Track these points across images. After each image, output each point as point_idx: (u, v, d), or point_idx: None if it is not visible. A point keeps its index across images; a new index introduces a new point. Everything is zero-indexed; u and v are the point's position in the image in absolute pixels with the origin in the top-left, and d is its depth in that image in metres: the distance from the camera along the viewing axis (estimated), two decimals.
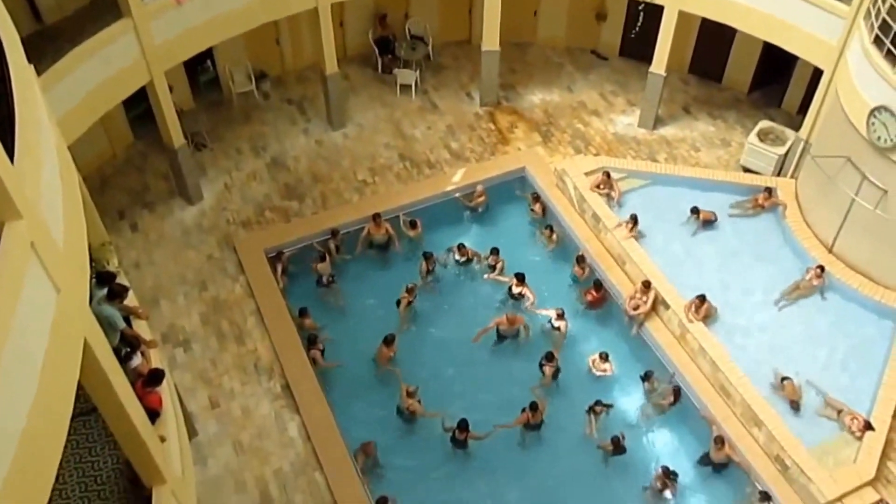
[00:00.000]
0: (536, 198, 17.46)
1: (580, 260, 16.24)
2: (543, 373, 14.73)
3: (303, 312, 15.12)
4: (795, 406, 13.57)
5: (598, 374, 14.86)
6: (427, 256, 16.02)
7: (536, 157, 18.42)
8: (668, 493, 13.21)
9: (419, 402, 13.94)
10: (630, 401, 14.73)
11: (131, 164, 18.01)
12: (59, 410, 5.86)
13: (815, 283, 15.21)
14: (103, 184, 17.40)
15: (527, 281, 15.73)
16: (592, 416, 14.09)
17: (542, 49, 21.34)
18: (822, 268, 15.18)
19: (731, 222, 16.61)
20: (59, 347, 5.85)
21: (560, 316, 15.32)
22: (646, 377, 14.59)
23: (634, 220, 16.06)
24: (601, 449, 13.69)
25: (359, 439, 13.48)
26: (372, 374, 14.85)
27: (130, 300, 10.33)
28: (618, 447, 13.54)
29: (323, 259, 15.86)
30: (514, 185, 18.14)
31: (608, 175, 16.88)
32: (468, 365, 15.16)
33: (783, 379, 13.82)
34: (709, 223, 16.39)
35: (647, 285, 15.17)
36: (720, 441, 13.42)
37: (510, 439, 14.02)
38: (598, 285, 15.84)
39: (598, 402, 14.13)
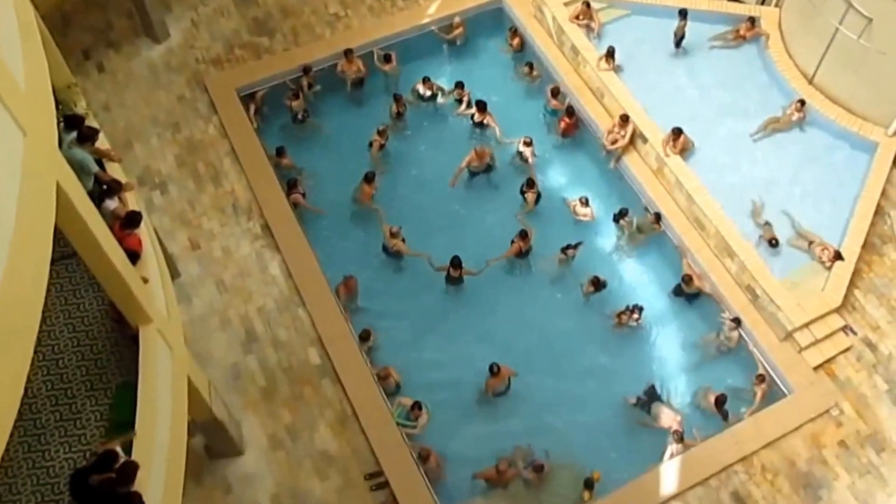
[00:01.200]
0: (514, 32, 16.97)
1: (555, 93, 16.03)
2: (526, 199, 14.89)
3: (280, 151, 14.96)
4: (774, 243, 13.82)
5: (580, 219, 14.95)
6: (397, 98, 15.72)
7: None
8: (632, 322, 13.67)
9: (403, 241, 14.10)
10: (607, 239, 15.00)
11: (92, 1, 17.14)
12: (38, 252, 5.88)
13: (794, 117, 15.15)
14: (64, 23, 16.62)
15: (489, 109, 15.60)
16: (564, 256, 14.31)
17: None
18: (802, 102, 15.08)
19: (712, 55, 16.30)
20: (32, 190, 5.80)
21: (528, 144, 15.33)
22: (620, 215, 14.76)
23: (610, 53, 15.72)
24: (583, 288, 13.99)
25: (341, 276, 13.72)
26: (352, 212, 14.92)
27: (102, 143, 10.12)
28: (598, 286, 13.86)
29: (297, 96, 15.53)
30: (492, 16, 17.52)
31: (588, 5, 16.35)
32: (447, 202, 15.26)
33: (766, 223, 14.00)
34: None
35: (624, 119, 15.06)
36: (688, 279, 13.83)
37: (500, 271, 14.33)
38: (571, 111, 15.76)
39: (568, 246, 14.25)
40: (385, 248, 14.33)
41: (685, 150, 14.82)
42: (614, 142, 15.20)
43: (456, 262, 13.74)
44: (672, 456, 12.39)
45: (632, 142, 15.26)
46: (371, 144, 15.29)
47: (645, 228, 14.73)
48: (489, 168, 15.32)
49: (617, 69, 15.83)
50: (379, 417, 12.45)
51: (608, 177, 15.59)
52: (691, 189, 14.29)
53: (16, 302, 5.39)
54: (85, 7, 17.03)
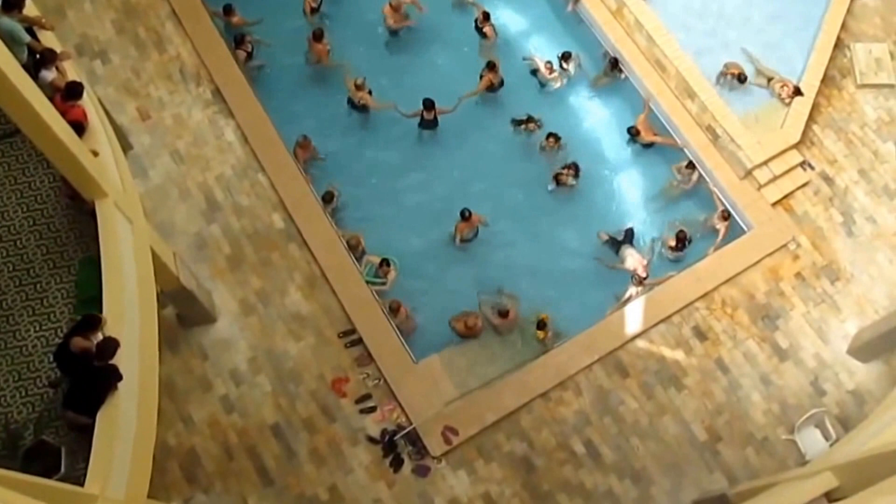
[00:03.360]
0: None
1: None
2: (485, 34, 14.59)
3: (228, 9, 14.23)
4: (742, 78, 13.64)
5: (552, 84, 14.55)
6: None
7: None
8: (571, 181, 13.62)
9: (370, 93, 13.77)
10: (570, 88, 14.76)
11: None
12: None
13: None
14: None
15: None
16: (521, 128, 14.05)
17: None
18: None
19: None
20: None
21: None
22: (563, 57, 14.43)
23: None
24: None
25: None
26: (307, 73, 14.46)
27: (30, 10, 9.52)
28: (557, 140, 13.69)
29: None
30: None
31: None
32: (397, 54, 14.88)
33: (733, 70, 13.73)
34: None
35: None
36: (635, 132, 13.85)
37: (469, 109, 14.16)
38: None
39: (529, 118, 13.98)
40: (351, 103, 14.00)
41: None
42: None
43: (428, 104, 13.53)
44: (631, 298, 12.74)
45: None
46: (304, 10, 14.68)
47: (605, 74, 14.51)
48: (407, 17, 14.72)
49: None
50: (348, 277, 12.57)
51: (565, 21, 15.17)
52: (651, 29, 13.98)
53: None
54: None
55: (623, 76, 14.41)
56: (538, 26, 15.23)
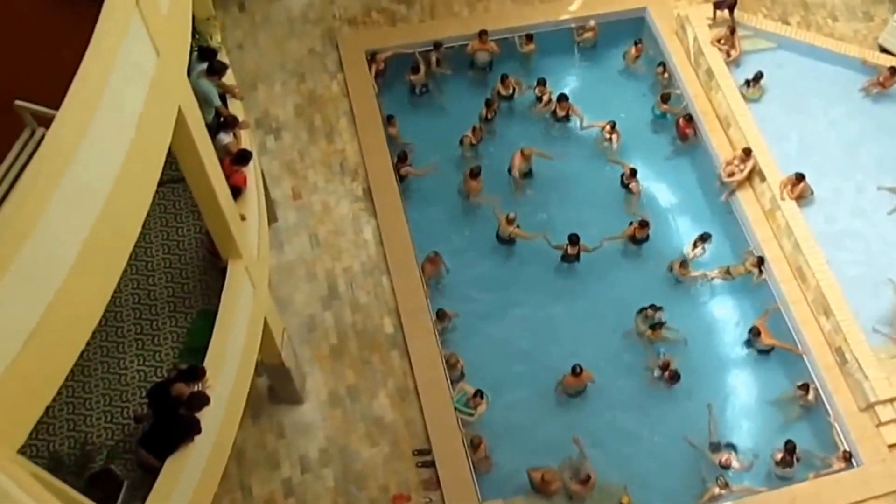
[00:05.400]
0: (637, 43, 16.56)
1: (665, 98, 15.86)
2: (631, 190, 14.94)
3: (390, 119, 15.13)
4: None
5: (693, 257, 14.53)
6: (489, 103, 15.53)
7: (661, 0, 17.29)
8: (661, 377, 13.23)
9: (518, 227, 14.18)
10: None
11: None
12: (149, 168, 6.13)
13: None
14: None
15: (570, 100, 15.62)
16: (643, 317, 13.82)
17: None
18: None
19: (854, 103, 15.61)
20: (154, 109, 6.02)
21: (612, 128, 15.34)
22: (702, 238, 14.41)
23: (757, 79, 15.46)
24: (655, 372, 13.39)
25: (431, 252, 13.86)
26: (455, 198, 14.96)
27: (228, 79, 10.46)
28: (672, 376, 13.23)
29: (416, 71, 15.70)
30: (632, 25, 17.17)
31: (733, 31, 15.86)
32: (550, 189, 15.33)
33: None
34: None
35: (747, 153, 14.59)
36: (756, 332, 13.41)
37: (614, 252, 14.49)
38: (689, 118, 15.60)
39: (651, 306, 13.78)
40: (499, 236, 14.38)
41: (802, 198, 14.26)
42: (731, 174, 14.75)
43: (574, 238, 13.89)
44: (713, 498, 12.07)
45: (749, 178, 14.77)
46: (462, 141, 15.27)
47: (740, 270, 14.28)
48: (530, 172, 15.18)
49: (759, 96, 15.49)
50: (438, 398, 12.49)
51: (715, 207, 15.16)
52: (800, 237, 13.74)
53: (121, 208, 5.64)
54: None
55: (763, 277, 14.12)
56: (685, 205, 15.34)
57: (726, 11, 16.11)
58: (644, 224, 14.23)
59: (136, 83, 5.77)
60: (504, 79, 15.71)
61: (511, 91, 15.83)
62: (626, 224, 14.45)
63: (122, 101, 5.57)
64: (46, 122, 5.44)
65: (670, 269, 14.32)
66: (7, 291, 4.51)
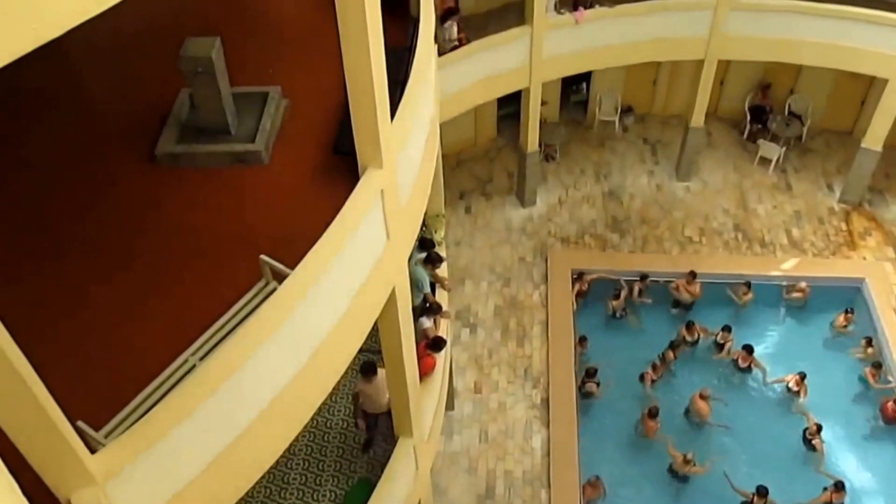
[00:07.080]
0: (848, 312, 16.00)
1: (878, 366, 14.96)
2: (814, 447, 14.08)
3: (582, 341, 15.47)
4: None
5: None
6: (673, 345, 15.40)
7: (882, 273, 16.78)
8: None
9: (695, 464, 13.67)
10: None
11: (486, 155, 19.41)
12: (354, 336, 6.77)
13: None
14: (457, 164, 18.99)
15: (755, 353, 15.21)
16: None
17: None
18: None
19: None
20: (373, 286, 6.74)
21: (801, 380, 14.68)
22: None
23: None
24: None
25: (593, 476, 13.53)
26: (630, 430, 14.69)
27: (442, 271, 11.31)
28: None
29: (617, 297, 16.07)
30: (845, 292, 16.73)
31: None
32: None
33: None
34: None
35: None
36: None
37: None
38: None
39: None
40: (672, 471, 13.91)
41: None
42: None
43: (763, 491, 12.96)
44: None
45: None
46: (642, 377, 15.15)
47: None
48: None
49: None
50: None
51: None
52: None
53: (321, 368, 6.25)
54: (479, 157, 19.33)
55: None
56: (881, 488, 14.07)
57: None
58: (840, 487, 13.04)
59: (364, 261, 6.54)
60: (690, 326, 15.60)
61: (696, 337, 15.71)
62: (809, 484, 13.40)
63: (348, 275, 6.33)
64: (280, 278, 6.22)
65: None
66: (201, 423, 5.08)
